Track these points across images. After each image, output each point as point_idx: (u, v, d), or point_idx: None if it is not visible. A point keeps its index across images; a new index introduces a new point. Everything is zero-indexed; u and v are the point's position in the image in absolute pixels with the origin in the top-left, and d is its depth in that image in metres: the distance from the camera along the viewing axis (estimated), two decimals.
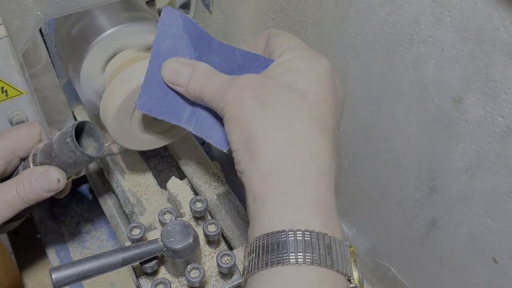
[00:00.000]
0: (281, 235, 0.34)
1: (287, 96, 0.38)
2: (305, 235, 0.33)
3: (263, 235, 0.35)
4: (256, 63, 0.44)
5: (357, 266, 0.35)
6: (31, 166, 0.51)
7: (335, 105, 0.40)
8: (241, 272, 0.43)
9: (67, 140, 0.48)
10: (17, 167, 0.53)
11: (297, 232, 0.34)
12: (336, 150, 0.39)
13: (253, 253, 0.35)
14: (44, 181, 0.49)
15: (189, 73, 0.44)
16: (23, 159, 0.53)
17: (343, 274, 0.34)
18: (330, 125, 0.38)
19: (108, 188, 0.65)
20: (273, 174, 0.36)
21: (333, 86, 0.41)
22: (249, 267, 0.35)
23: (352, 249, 0.36)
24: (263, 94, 0.38)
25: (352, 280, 0.34)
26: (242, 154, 0.38)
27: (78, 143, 0.49)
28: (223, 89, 0.40)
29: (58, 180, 0.50)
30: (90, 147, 0.52)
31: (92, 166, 0.67)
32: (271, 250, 0.34)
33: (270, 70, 0.42)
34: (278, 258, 0.33)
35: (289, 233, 0.34)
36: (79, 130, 0.50)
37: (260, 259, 0.34)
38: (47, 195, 0.50)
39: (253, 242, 0.35)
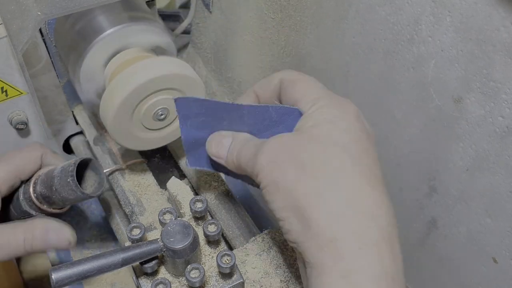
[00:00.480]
0: None
1: (326, 152, 0.35)
2: None
3: None
4: (292, 116, 0.41)
5: None
6: (32, 195, 0.51)
7: (374, 151, 0.37)
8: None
9: (68, 180, 0.48)
10: (17, 189, 0.53)
11: None
12: (391, 203, 0.36)
13: None
14: (55, 239, 0.48)
15: (228, 144, 0.43)
16: (24, 181, 0.53)
17: None
18: (378, 175, 0.36)
19: (108, 188, 0.65)
20: (332, 243, 0.32)
21: (366, 132, 0.38)
22: None
23: None
24: (300, 153, 0.35)
25: None
26: (293, 223, 0.34)
27: (80, 175, 0.49)
28: (256, 153, 0.38)
29: (70, 242, 0.49)
30: (90, 179, 0.52)
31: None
32: None
33: (300, 124, 0.39)
34: None
35: None
36: (81, 164, 0.50)
37: None
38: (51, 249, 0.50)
39: None
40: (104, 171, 0.55)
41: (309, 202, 0.33)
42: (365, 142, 0.37)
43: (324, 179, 0.34)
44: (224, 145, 0.43)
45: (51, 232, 0.48)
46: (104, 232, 0.74)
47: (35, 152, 0.53)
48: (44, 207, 0.51)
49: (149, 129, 0.55)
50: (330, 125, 0.37)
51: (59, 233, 0.48)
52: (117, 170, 0.61)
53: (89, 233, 0.74)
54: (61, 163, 0.52)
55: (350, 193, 0.34)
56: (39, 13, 0.48)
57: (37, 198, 0.51)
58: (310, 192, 0.34)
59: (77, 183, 0.48)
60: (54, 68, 0.62)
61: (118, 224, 0.61)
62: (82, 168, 0.51)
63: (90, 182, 0.52)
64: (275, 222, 0.38)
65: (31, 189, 0.51)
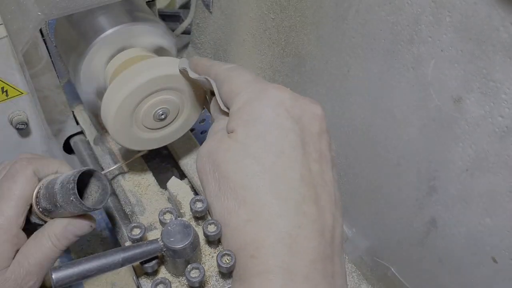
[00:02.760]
0: None
1: (240, 167, 0.35)
2: None
3: None
4: None
5: None
6: (37, 211, 0.51)
7: (300, 144, 0.36)
8: None
9: (71, 199, 0.47)
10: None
11: None
12: (309, 202, 0.34)
13: None
14: (76, 229, 0.50)
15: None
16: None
17: None
18: (294, 180, 0.35)
19: (112, 192, 0.65)
20: (236, 257, 0.36)
21: (290, 124, 0.36)
22: None
23: None
24: (218, 166, 0.36)
25: None
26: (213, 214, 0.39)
27: (81, 181, 0.48)
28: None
29: (91, 225, 0.51)
30: (94, 185, 0.51)
31: (92, 166, 0.67)
32: None
33: (228, 123, 0.39)
34: None
35: None
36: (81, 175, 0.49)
37: None
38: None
39: None
40: (104, 171, 0.55)
41: (221, 219, 0.37)
42: (282, 143, 0.35)
43: (232, 196, 0.35)
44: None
45: (70, 226, 0.50)
46: (104, 232, 0.74)
47: (26, 171, 0.50)
48: (49, 219, 0.51)
49: (150, 129, 0.55)
50: (244, 132, 0.36)
51: (77, 223, 0.50)
52: (118, 171, 0.61)
53: (89, 232, 0.74)
54: (53, 165, 0.51)
55: (253, 208, 0.35)
56: (39, 13, 0.48)
57: (42, 212, 0.51)
58: (221, 210, 0.37)
59: (81, 200, 0.47)
60: (54, 68, 0.62)
61: (118, 224, 0.61)
62: (82, 175, 0.51)
63: (94, 188, 0.51)
64: None
65: (35, 207, 0.51)
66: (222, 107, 0.41)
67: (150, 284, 0.42)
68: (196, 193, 0.58)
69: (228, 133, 0.38)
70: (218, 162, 0.36)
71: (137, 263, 0.43)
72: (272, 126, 0.36)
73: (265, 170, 0.35)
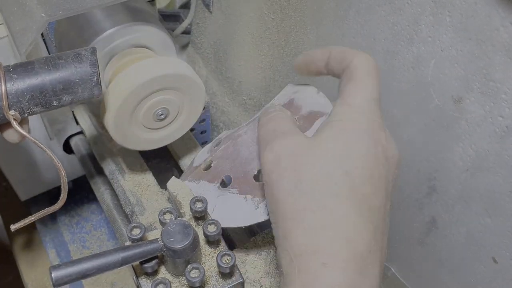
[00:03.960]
0: None
1: (327, 172, 0.35)
2: None
3: None
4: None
5: None
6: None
7: (385, 181, 0.37)
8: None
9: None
10: None
11: None
12: (380, 234, 0.35)
13: None
14: None
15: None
16: None
17: None
18: (375, 205, 0.36)
19: (108, 188, 0.65)
20: (300, 257, 0.34)
21: (384, 159, 0.37)
22: None
23: None
24: (302, 166, 0.36)
25: None
26: (276, 229, 0.37)
27: None
28: (269, 140, 0.39)
29: None
30: None
31: (92, 166, 0.67)
32: None
33: (320, 128, 0.39)
34: None
35: None
36: None
37: None
38: None
39: None
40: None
41: (289, 217, 0.35)
42: (375, 169, 0.36)
43: (313, 198, 0.35)
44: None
45: None
46: (104, 231, 0.74)
47: None
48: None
49: (149, 129, 0.55)
50: (343, 144, 0.36)
51: None
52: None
53: (89, 232, 0.74)
54: None
55: (332, 218, 0.34)
56: (43, 14, 0.47)
57: None
58: (294, 208, 0.35)
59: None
60: None
61: (118, 224, 0.61)
62: None
63: None
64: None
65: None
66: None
67: (150, 284, 0.42)
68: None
69: (321, 138, 0.37)
70: (303, 162, 0.36)
71: (137, 263, 0.43)
72: (369, 153, 0.36)
73: (355, 187, 0.35)
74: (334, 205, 0.34)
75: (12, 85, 0.41)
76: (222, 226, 0.44)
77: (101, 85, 0.44)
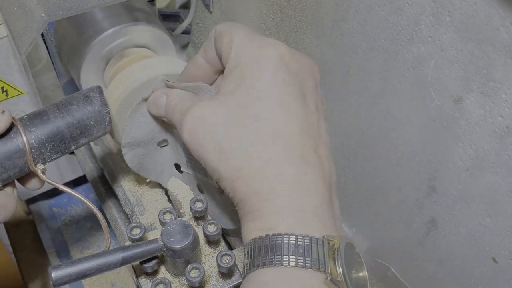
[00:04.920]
0: (256, 242, 0.36)
1: (241, 126, 0.37)
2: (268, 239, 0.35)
3: (245, 245, 0.37)
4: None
5: (337, 260, 0.35)
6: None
7: (297, 99, 0.37)
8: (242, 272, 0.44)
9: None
10: None
11: (261, 239, 0.36)
12: (309, 152, 0.37)
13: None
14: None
15: (163, 103, 0.44)
16: None
17: (316, 270, 0.34)
18: (295, 132, 0.37)
19: (108, 188, 0.65)
20: (243, 201, 0.37)
21: (289, 76, 0.37)
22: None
23: (333, 242, 0.35)
24: (216, 129, 0.37)
25: (328, 274, 0.34)
26: (223, 188, 0.39)
27: None
28: (180, 120, 0.40)
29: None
30: None
31: (92, 166, 0.67)
32: (250, 255, 0.37)
33: (221, 86, 0.40)
34: (252, 263, 0.36)
35: (258, 240, 0.36)
36: None
37: (245, 264, 0.37)
38: None
39: (244, 250, 0.38)
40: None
41: (230, 178, 0.37)
42: (282, 96, 0.37)
43: (239, 155, 0.37)
44: (161, 104, 0.44)
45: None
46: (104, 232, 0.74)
47: None
48: None
49: None
50: (244, 91, 0.37)
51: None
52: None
53: (89, 233, 0.74)
54: None
55: (262, 161, 0.36)
56: (43, 14, 0.48)
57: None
58: (229, 169, 0.37)
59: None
60: (54, 68, 0.62)
61: (118, 224, 0.61)
62: None
63: None
64: None
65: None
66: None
67: (150, 284, 0.42)
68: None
69: (224, 94, 0.38)
70: (216, 127, 0.37)
71: (137, 263, 0.43)
72: (274, 83, 0.37)
73: (268, 127, 0.37)
74: (259, 153, 0.36)
75: (33, 138, 0.41)
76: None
77: (111, 120, 0.46)
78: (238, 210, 0.38)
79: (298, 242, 0.34)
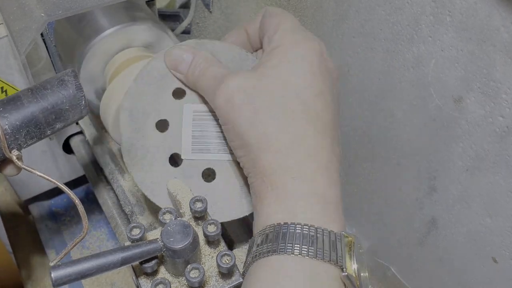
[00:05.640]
0: (276, 228, 0.36)
1: (280, 98, 0.38)
2: (293, 228, 0.35)
3: (262, 229, 0.37)
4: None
5: (353, 257, 0.36)
6: None
7: (331, 94, 0.39)
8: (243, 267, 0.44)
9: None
10: None
11: (285, 226, 0.35)
12: (335, 144, 0.39)
13: (254, 242, 0.38)
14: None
15: (190, 60, 0.44)
16: None
17: (332, 264, 0.35)
18: (328, 120, 0.38)
19: (108, 188, 0.65)
20: (271, 176, 0.37)
21: (327, 73, 0.40)
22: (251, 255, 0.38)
23: (349, 239, 0.36)
24: (255, 97, 0.38)
25: (344, 269, 0.34)
26: (244, 160, 0.39)
27: None
28: (216, 86, 0.40)
29: None
30: None
31: (92, 166, 0.67)
32: (268, 240, 0.36)
33: (262, 60, 0.41)
34: (269, 248, 0.35)
35: (278, 226, 0.36)
36: None
37: (260, 247, 0.37)
38: None
39: (258, 233, 0.38)
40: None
41: (255, 146, 0.37)
42: (322, 85, 0.39)
43: (273, 124, 0.37)
44: (185, 60, 0.44)
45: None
46: (104, 231, 0.74)
47: None
48: None
49: None
50: (287, 68, 0.39)
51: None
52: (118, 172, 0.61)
53: (89, 233, 0.74)
54: None
55: (294, 136, 0.37)
56: (42, 14, 0.47)
57: None
58: (259, 136, 0.37)
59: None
60: (54, 68, 0.62)
61: (118, 224, 0.61)
62: None
63: None
64: None
65: None
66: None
67: (150, 284, 0.42)
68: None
69: (266, 67, 0.39)
70: (256, 94, 0.38)
71: (137, 263, 0.43)
72: (318, 69, 0.39)
73: (307, 106, 0.38)
74: (293, 127, 0.37)
75: (6, 124, 0.41)
76: None
77: (87, 104, 0.45)
78: (255, 187, 0.38)
79: (318, 235, 0.35)
